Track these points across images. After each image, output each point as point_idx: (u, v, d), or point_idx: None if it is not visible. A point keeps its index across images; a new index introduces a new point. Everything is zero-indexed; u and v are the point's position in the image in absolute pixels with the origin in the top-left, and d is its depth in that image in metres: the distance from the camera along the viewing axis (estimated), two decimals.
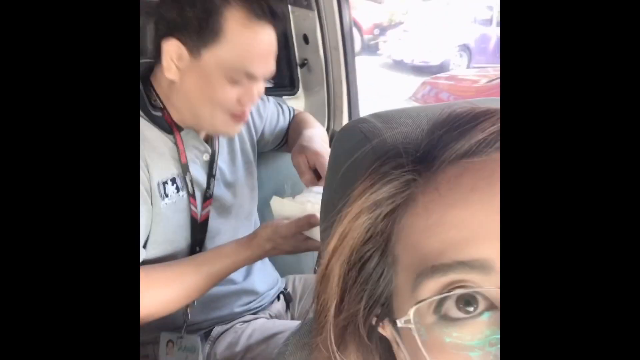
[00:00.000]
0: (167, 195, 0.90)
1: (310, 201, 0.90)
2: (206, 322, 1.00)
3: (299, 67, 1.45)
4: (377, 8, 8.76)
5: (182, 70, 0.86)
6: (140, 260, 0.86)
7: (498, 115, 0.35)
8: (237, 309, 1.03)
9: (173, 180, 0.91)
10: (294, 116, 1.22)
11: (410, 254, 0.35)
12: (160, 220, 0.90)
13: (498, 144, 0.34)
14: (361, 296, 0.37)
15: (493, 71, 5.19)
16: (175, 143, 0.92)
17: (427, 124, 0.38)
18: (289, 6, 1.37)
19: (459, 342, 0.31)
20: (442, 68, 7.07)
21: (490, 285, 0.30)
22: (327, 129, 1.42)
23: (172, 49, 0.85)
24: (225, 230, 1.01)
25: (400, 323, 0.34)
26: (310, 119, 1.21)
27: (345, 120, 1.42)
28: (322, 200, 0.50)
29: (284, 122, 1.19)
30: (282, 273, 1.19)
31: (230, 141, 1.05)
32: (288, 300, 1.14)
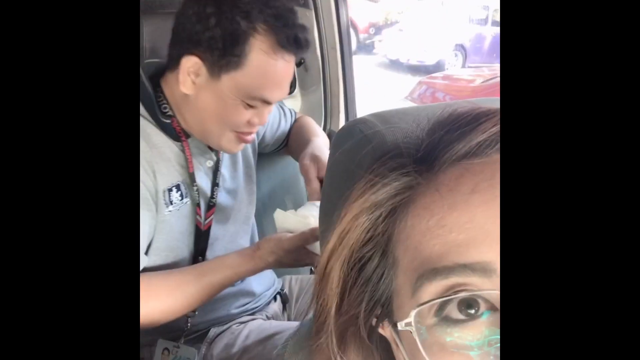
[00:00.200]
0: (171, 203, 0.90)
1: (314, 215, 0.90)
2: (203, 323, 0.99)
3: (295, 66, 1.45)
4: (373, 7, 8.78)
5: (197, 85, 0.86)
6: (142, 267, 0.86)
7: (499, 116, 0.34)
8: (234, 310, 1.03)
9: (177, 187, 0.91)
10: (295, 120, 1.22)
11: (411, 255, 0.34)
12: (163, 228, 0.90)
13: (499, 145, 0.34)
14: (362, 297, 0.37)
15: (488, 71, 5.20)
16: (183, 151, 0.91)
17: (428, 124, 0.38)
18: None
19: (459, 342, 0.31)
20: (437, 67, 7.09)
21: (491, 287, 0.30)
22: (324, 129, 1.42)
23: (191, 66, 0.84)
24: (224, 236, 1.01)
25: (401, 326, 0.33)
26: (314, 125, 1.21)
27: (342, 120, 1.42)
28: (321, 200, 0.50)
29: (285, 125, 1.19)
30: (279, 274, 1.19)
31: None
32: (285, 301, 1.14)
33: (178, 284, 0.87)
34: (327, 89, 1.41)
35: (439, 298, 0.32)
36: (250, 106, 0.87)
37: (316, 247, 0.88)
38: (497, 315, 0.31)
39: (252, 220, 1.13)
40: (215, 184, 0.97)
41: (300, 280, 1.20)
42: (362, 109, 1.47)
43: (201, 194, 0.94)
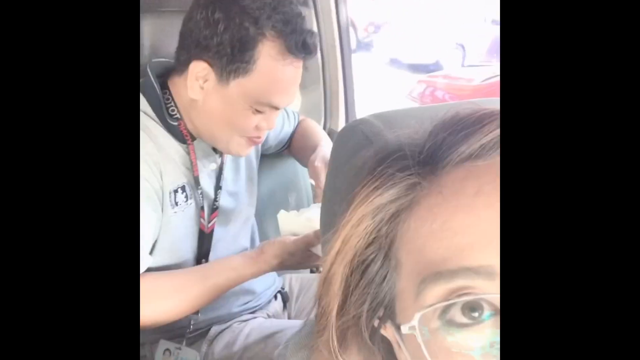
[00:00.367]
0: (177, 204, 0.90)
1: (318, 217, 0.90)
2: (204, 322, 0.99)
3: None
4: (372, 5, 8.76)
5: (205, 90, 0.86)
6: (146, 268, 0.85)
7: None
8: (235, 309, 1.03)
9: (183, 189, 0.91)
10: (299, 122, 1.22)
11: (414, 258, 0.34)
12: (168, 229, 0.90)
13: None
14: (364, 299, 0.37)
15: (488, 70, 5.19)
16: (188, 153, 0.91)
17: (431, 126, 0.38)
18: None
19: (462, 344, 0.31)
20: (437, 66, 7.08)
21: (495, 290, 0.30)
22: (324, 127, 1.42)
23: (200, 71, 0.84)
24: (226, 237, 1.01)
25: (404, 330, 0.33)
26: (319, 128, 1.22)
27: (341, 119, 1.42)
28: (322, 202, 0.50)
29: (288, 127, 1.19)
30: (279, 272, 1.19)
31: None
32: (285, 299, 1.15)
33: (183, 285, 0.87)
34: (327, 87, 1.40)
35: (443, 302, 0.31)
36: (259, 111, 0.87)
37: (319, 249, 0.87)
38: (499, 317, 0.31)
39: (252, 219, 1.13)
40: (218, 187, 0.98)
41: (301, 279, 1.20)
42: (362, 108, 1.47)
43: (205, 197, 0.94)
